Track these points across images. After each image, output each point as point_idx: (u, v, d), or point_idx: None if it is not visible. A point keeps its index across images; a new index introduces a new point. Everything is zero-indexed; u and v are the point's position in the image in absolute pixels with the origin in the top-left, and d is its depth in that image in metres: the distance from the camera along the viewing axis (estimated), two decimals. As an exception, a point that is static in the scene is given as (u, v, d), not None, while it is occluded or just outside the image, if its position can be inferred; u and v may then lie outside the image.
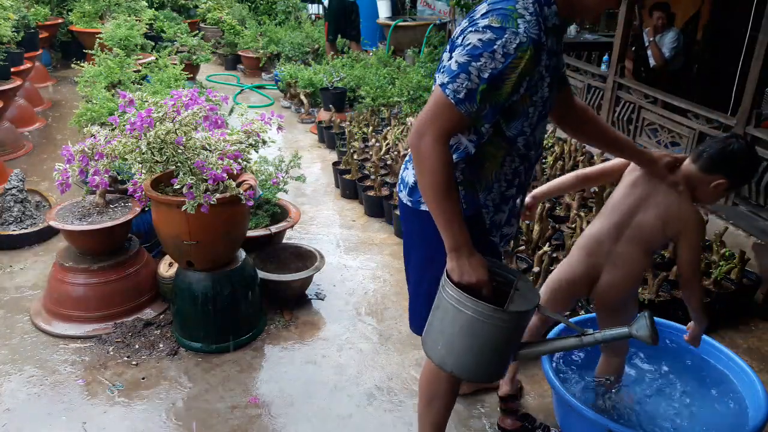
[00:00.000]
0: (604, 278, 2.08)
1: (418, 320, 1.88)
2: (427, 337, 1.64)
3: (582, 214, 3.65)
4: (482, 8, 1.58)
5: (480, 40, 1.50)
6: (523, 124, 1.67)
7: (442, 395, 1.99)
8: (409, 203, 1.81)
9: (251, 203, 2.70)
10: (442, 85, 1.54)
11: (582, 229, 3.23)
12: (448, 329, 1.55)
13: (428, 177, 1.57)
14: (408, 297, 1.99)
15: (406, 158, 1.83)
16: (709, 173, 1.96)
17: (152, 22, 7.35)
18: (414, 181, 1.75)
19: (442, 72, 1.57)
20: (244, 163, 2.99)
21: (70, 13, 7.76)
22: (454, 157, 1.69)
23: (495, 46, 1.49)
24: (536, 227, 3.45)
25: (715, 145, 1.98)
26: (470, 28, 1.55)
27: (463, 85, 1.51)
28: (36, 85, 6.72)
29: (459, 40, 1.58)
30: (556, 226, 3.58)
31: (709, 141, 2.07)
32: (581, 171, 2.28)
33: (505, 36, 1.49)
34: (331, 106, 6.03)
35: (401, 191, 1.85)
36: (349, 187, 4.62)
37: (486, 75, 1.50)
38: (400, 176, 1.88)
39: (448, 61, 1.57)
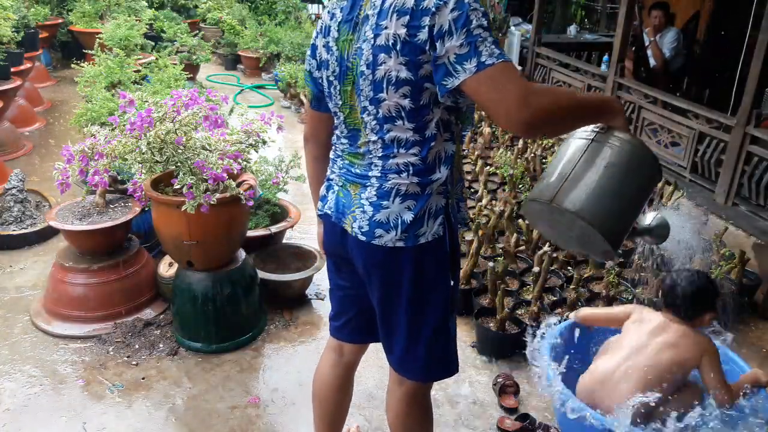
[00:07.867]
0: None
1: (421, 362, 1.70)
2: (564, 194, 1.53)
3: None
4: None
5: (453, 10, 1.34)
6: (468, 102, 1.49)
7: (429, 408, 1.86)
8: (401, 243, 1.54)
9: (251, 203, 2.70)
10: (481, 65, 1.31)
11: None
12: (604, 178, 1.49)
13: (564, 104, 1.38)
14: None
15: (373, 198, 1.55)
16: (697, 317, 2.10)
17: (152, 22, 7.34)
18: (412, 218, 1.53)
19: (464, 61, 1.33)
20: (244, 163, 3.00)
21: (70, 13, 7.76)
22: (443, 170, 1.53)
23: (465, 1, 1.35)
24: (536, 227, 3.45)
25: (682, 292, 2.09)
26: (434, 9, 1.35)
27: (488, 43, 1.33)
28: (36, 85, 6.71)
29: (422, 35, 1.37)
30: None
31: (667, 290, 2.15)
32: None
33: None
34: (331, 106, 6.01)
35: (384, 234, 1.54)
36: (349, 187, 4.60)
37: (485, 22, 1.35)
38: (371, 221, 1.55)
39: (445, 55, 1.35)
